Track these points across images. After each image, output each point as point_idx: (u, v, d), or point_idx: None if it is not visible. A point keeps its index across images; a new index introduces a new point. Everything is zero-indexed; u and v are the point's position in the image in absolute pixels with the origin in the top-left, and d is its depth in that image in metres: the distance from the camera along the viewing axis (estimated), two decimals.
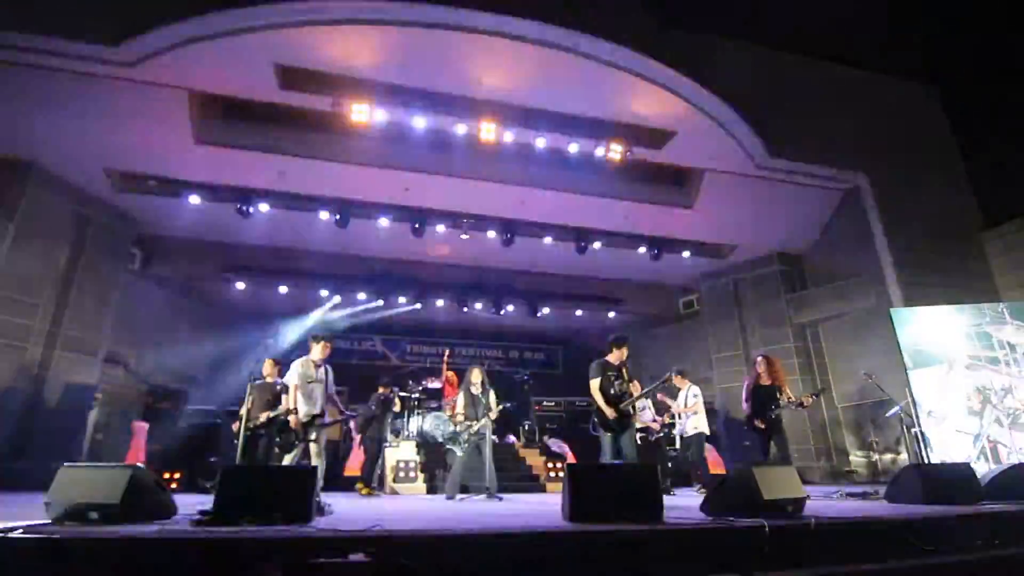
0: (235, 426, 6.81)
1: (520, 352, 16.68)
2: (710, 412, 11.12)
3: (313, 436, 5.52)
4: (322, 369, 5.74)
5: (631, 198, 10.08)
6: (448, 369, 10.82)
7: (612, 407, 5.63)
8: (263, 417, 6.34)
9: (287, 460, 5.41)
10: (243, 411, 6.65)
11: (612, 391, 5.74)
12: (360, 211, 9.96)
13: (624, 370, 5.91)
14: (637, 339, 14.88)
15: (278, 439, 5.50)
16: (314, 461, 5.48)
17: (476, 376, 7.18)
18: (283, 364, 6.84)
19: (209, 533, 2.85)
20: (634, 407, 5.80)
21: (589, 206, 10.11)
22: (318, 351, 5.73)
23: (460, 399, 7.16)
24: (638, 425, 7.68)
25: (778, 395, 6.36)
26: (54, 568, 2.45)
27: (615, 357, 5.94)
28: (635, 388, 5.86)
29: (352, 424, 9.23)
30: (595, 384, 5.75)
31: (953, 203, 10.78)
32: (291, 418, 5.43)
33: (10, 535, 2.53)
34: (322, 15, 6.86)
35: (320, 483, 5.36)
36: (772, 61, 10.30)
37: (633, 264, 12.03)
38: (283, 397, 7.06)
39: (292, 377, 5.60)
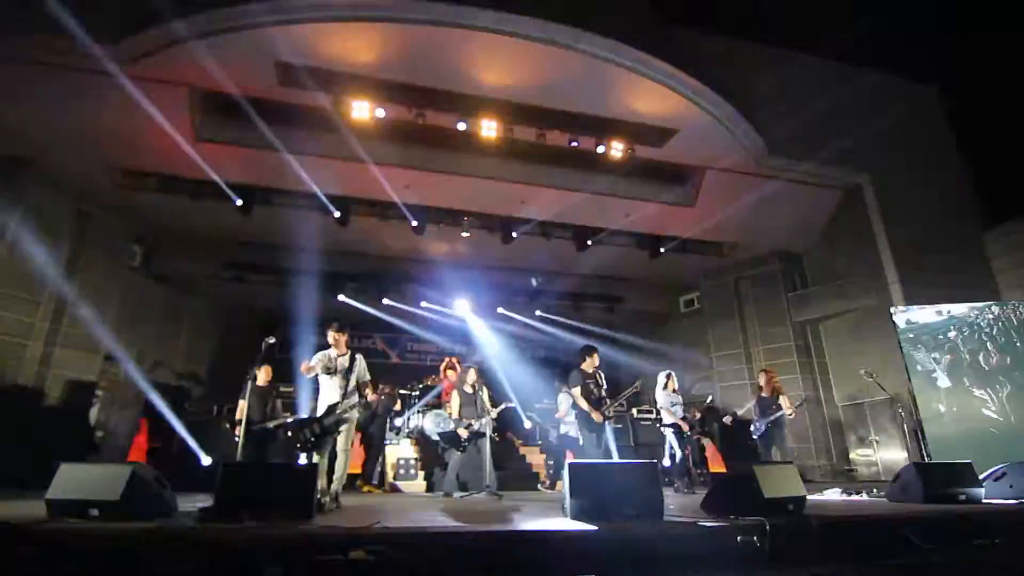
0: (237, 430, 6.76)
1: (521, 350, 16.65)
2: (711, 411, 11.15)
3: (333, 428, 5.14)
4: (344, 358, 5.32)
5: (632, 196, 10.07)
6: (448, 368, 10.81)
7: (597, 411, 6.20)
8: (271, 424, 6.28)
9: (315, 457, 5.05)
10: (240, 415, 6.64)
11: (592, 396, 6.31)
12: (361, 208, 9.95)
13: (599, 375, 6.48)
14: (637, 338, 14.90)
15: (295, 441, 5.14)
16: (339, 458, 5.15)
17: (471, 376, 7.28)
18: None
19: (209, 530, 2.85)
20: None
21: (590, 204, 10.09)
22: (334, 342, 5.36)
23: (455, 399, 7.24)
24: (668, 420, 7.70)
25: (773, 406, 7.18)
26: (55, 565, 2.45)
27: (588, 364, 6.53)
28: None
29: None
30: (577, 392, 6.37)
31: (954, 202, 10.77)
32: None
33: (11, 531, 2.53)
34: (322, 12, 6.83)
35: (342, 481, 5.14)
36: (773, 59, 10.28)
37: (633, 262, 12.02)
38: (277, 403, 7.07)
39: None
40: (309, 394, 5.90)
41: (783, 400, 7.20)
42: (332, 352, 5.30)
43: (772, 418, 7.10)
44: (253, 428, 6.16)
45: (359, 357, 5.42)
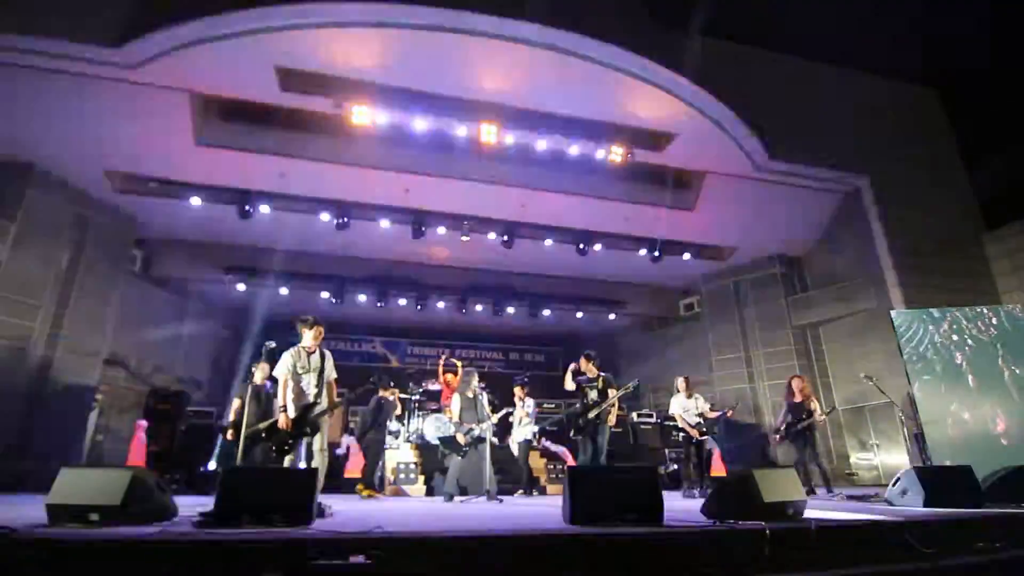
0: (229, 434, 6.68)
1: (520, 354, 16.67)
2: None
3: (308, 429, 4.90)
4: (316, 356, 5.06)
5: (632, 200, 10.09)
6: (445, 372, 10.81)
7: (584, 415, 6.64)
8: (263, 425, 6.12)
9: (286, 461, 4.94)
10: (232, 417, 6.46)
11: (586, 400, 6.70)
12: (361, 213, 9.98)
13: (600, 379, 6.82)
14: (638, 341, 14.93)
15: (271, 442, 5.03)
16: (316, 459, 4.92)
17: (472, 381, 7.32)
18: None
19: (209, 535, 2.85)
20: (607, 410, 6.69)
21: (590, 208, 10.12)
22: (309, 337, 5.07)
23: (455, 404, 7.28)
24: (681, 425, 7.93)
25: (803, 412, 7.51)
26: (54, 570, 2.45)
27: (587, 369, 6.85)
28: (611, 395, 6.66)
29: (352, 427, 9.24)
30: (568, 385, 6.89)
31: (954, 205, 10.79)
32: (280, 415, 4.90)
33: (11, 536, 2.53)
34: (323, 18, 6.87)
35: (320, 483, 5.13)
36: (772, 63, 10.32)
37: (634, 266, 12.04)
38: (275, 403, 6.93)
39: (280, 369, 5.00)
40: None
41: (814, 405, 7.56)
42: (303, 351, 5.05)
43: (806, 423, 7.42)
44: (248, 430, 6.09)
45: (328, 354, 5.18)
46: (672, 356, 13.57)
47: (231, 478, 3.50)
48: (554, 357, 16.80)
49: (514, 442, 8.59)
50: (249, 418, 5.96)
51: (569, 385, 6.85)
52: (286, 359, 5.02)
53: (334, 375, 5.21)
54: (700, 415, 7.94)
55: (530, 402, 8.70)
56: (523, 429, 8.50)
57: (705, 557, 3.02)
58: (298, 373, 4.98)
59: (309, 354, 5.06)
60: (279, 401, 4.96)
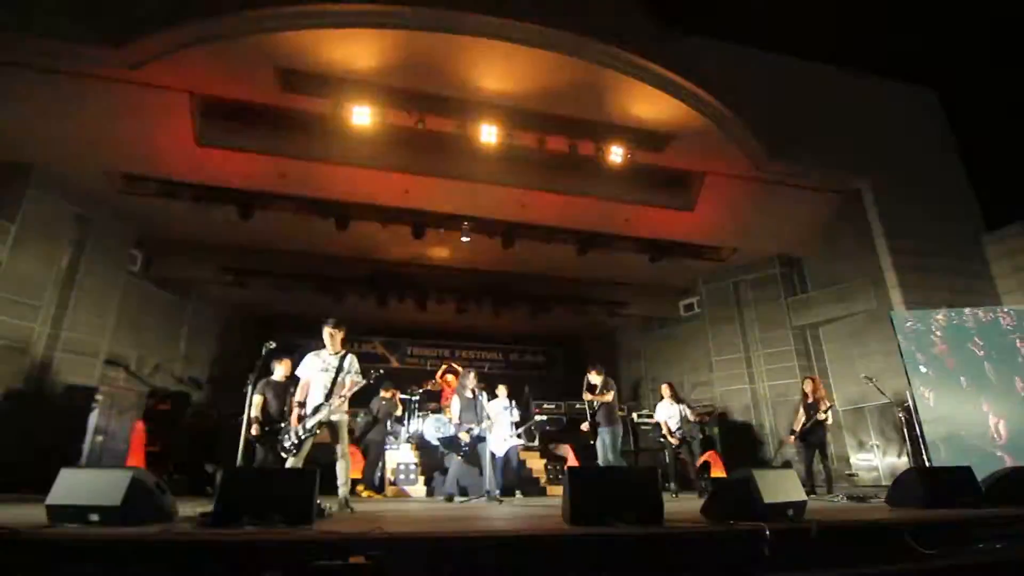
0: (254, 429, 6.56)
1: (520, 354, 16.66)
2: (709, 414, 11.21)
3: (316, 430, 4.92)
4: (335, 358, 5.13)
5: (631, 201, 10.08)
6: (445, 373, 10.83)
7: (589, 420, 7.23)
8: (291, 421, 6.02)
9: (292, 463, 4.90)
10: (255, 413, 6.29)
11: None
12: (360, 213, 9.97)
13: (600, 384, 7.23)
14: (638, 341, 14.93)
15: (280, 441, 5.10)
16: (339, 463, 5.00)
17: (471, 381, 7.34)
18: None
19: (209, 535, 2.86)
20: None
21: (589, 209, 10.11)
22: (329, 339, 5.19)
23: (455, 404, 7.30)
24: (664, 430, 8.47)
25: (812, 411, 7.71)
26: (54, 570, 2.45)
27: (590, 377, 7.36)
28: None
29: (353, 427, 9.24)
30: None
31: (954, 205, 10.78)
32: (294, 413, 5.02)
33: (11, 536, 2.53)
34: (323, 18, 6.87)
35: (348, 486, 5.06)
36: (772, 64, 10.32)
37: (634, 266, 12.03)
38: (294, 400, 6.90)
39: (302, 370, 5.19)
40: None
41: (822, 406, 7.73)
42: (324, 351, 5.16)
43: (811, 424, 7.62)
44: (267, 428, 6.06)
45: (351, 357, 5.22)
46: (672, 356, 13.57)
47: (231, 478, 3.50)
48: (554, 357, 16.80)
49: (502, 442, 8.30)
50: (271, 414, 5.98)
51: (587, 396, 7.28)
52: (306, 361, 5.18)
53: (354, 379, 5.15)
54: (684, 420, 8.42)
55: (512, 404, 8.38)
56: (512, 437, 8.13)
57: (705, 557, 3.02)
58: (319, 372, 5.10)
59: (331, 355, 5.17)
60: (297, 398, 5.13)
